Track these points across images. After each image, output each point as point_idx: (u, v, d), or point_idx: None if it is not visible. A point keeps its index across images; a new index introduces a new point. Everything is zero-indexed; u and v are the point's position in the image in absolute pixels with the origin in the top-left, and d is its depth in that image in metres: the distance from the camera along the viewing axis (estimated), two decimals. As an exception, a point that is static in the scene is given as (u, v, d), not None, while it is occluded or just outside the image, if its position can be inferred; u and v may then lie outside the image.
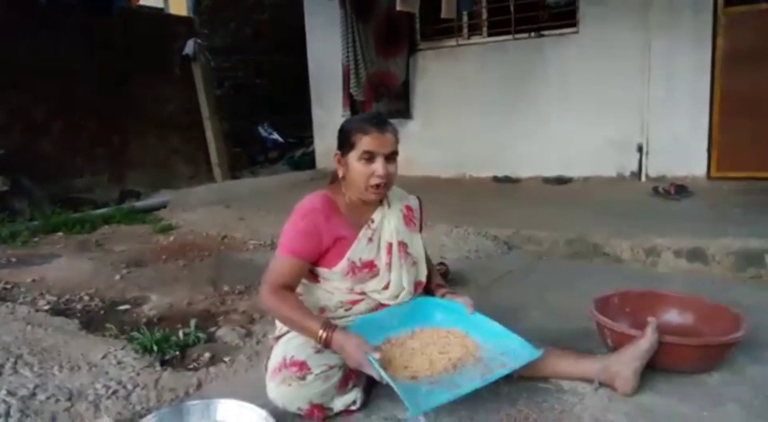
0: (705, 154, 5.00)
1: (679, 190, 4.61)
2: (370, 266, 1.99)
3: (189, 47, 7.01)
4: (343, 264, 1.95)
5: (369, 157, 1.89)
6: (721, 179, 4.91)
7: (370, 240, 2.01)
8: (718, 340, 1.99)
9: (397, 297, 2.03)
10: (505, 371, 1.77)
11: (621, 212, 4.20)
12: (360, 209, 2.02)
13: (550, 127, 5.66)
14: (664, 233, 3.47)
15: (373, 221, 2.03)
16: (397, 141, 1.96)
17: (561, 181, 5.54)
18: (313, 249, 1.92)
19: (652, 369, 1.94)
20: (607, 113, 5.33)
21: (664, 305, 2.28)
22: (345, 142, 1.94)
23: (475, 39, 6.11)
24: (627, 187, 5.10)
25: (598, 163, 5.46)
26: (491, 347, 1.89)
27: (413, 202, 2.20)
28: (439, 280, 2.24)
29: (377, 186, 1.93)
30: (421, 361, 1.82)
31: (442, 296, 2.12)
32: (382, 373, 1.63)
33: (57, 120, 5.97)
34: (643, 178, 5.24)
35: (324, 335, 1.73)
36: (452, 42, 6.19)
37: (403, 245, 2.06)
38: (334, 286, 1.99)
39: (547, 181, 5.62)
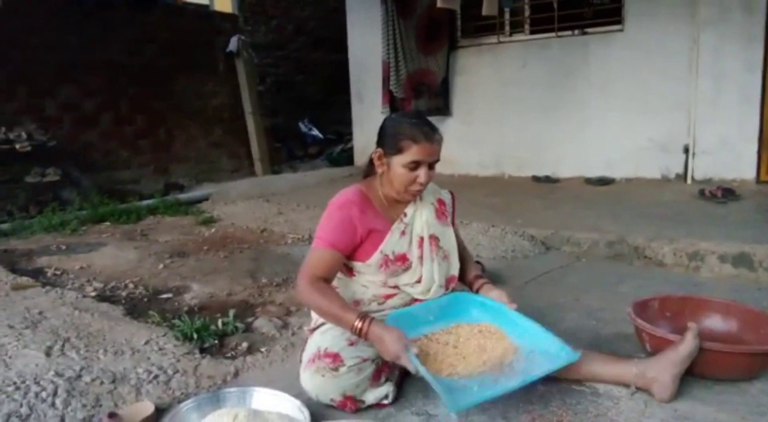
0: (755, 157, 4.84)
1: (726, 193, 4.47)
2: (403, 259, 2.01)
3: (233, 44, 7.14)
4: (376, 256, 1.97)
5: (415, 166, 1.90)
6: (772, 183, 4.75)
7: (403, 233, 2.02)
8: (762, 349, 1.93)
9: (428, 291, 2.04)
10: (542, 373, 1.76)
11: (664, 215, 4.10)
12: (393, 203, 2.04)
13: (593, 127, 5.57)
14: (708, 237, 3.38)
15: (405, 215, 2.05)
16: (441, 148, 1.95)
17: (603, 181, 5.44)
18: (348, 240, 1.94)
19: (692, 375, 1.89)
20: (652, 113, 5.21)
21: (705, 311, 2.22)
22: (391, 144, 1.92)
23: (517, 36, 6.04)
24: (672, 189, 4.97)
25: (642, 164, 5.35)
26: (529, 347, 1.87)
27: (446, 196, 2.20)
28: (477, 271, 2.22)
29: (416, 191, 1.96)
30: (457, 358, 1.82)
31: (479, 287, 2.09)
32: (420, 368, 1.63)
33: (105, 113, 6.16)
34: (689, 181, 5.10)
35: (361, 326, 1.73)
36: (493, 39, 6.14)
37: (434, 239, 2.06)
38: (368, 280, 2.01)
39: (589, 181, 5.53)
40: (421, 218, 2.06)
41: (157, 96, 6.59)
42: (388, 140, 1.94)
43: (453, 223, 2.21)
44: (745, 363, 1.91)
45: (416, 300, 2.05)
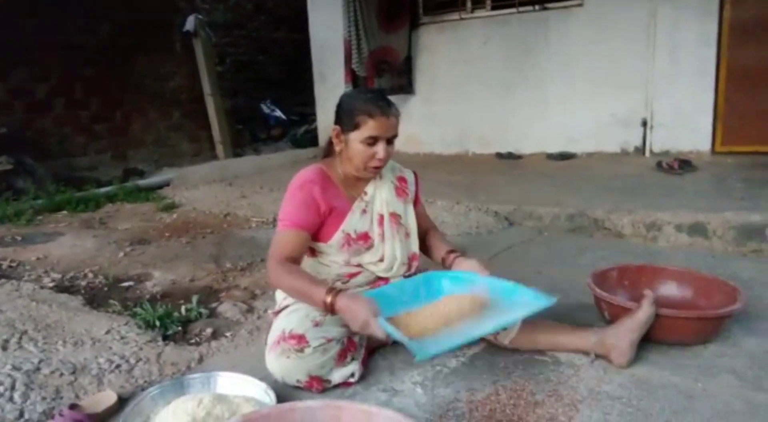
0: (710, 129, 4.96)
1: (683, 164, 4.58)
2: (365, 238, 2.01)
3: (190, 23, 6.96)
4: (338, 236, 1.97)
5: (372, 141, 1.90)
6: (726, 154, 4.89)
7: (364, 211, 2.03)
8: (713, 313, 2.00)
9: (391, 269, 2.04)
10: (520, 315, 1.78)
11: (623, 187, 4.19)
12: (353, 182, 2.04)
13: (554, 103, 5.63)
14: (665, 208, 3.47)
15: (366, 193, 2.05)
16: (398, 123, 1.95)
17: (564, 156, 5.52)
18: (312, 219, 1.93)
19: (649, 341, 1.96)
20: (611, 88, 5.28)
21: (661, 279, 2.28)
22: (347, 120, 1.92)
23: (479, 13, 6.04)
24: (631, 163, 5.07)
25: (602, 139, 5.44)
26: (503, 302, 1.86)
27: (408, 175, 2.20)
28: (448, 246, 2.18)
29: (376, 167, 1.95)
30: (428, 320, 1.80)
31: (452, 263, 2.08)
32: (387, 327, 1.62)
33: (59, 97, 5.96)
34: (647, 153, 5.21)
35: (329, 299, 1.72)
36: (455, 16, 6.12)
37: (395, 216, 2.07)
38: (330, 260, 2.01)
39: (551, 156, 5.60)
40: (381, 196, 2.07)
41: (113, 78, 6.40)
42: (344, 116, 1.93)
43: (417, 203, 2.21)
44: (698, 328, 1.98)
45: (380, 278, 2.06)
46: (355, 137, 1.90)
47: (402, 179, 2.17)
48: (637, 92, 5.17)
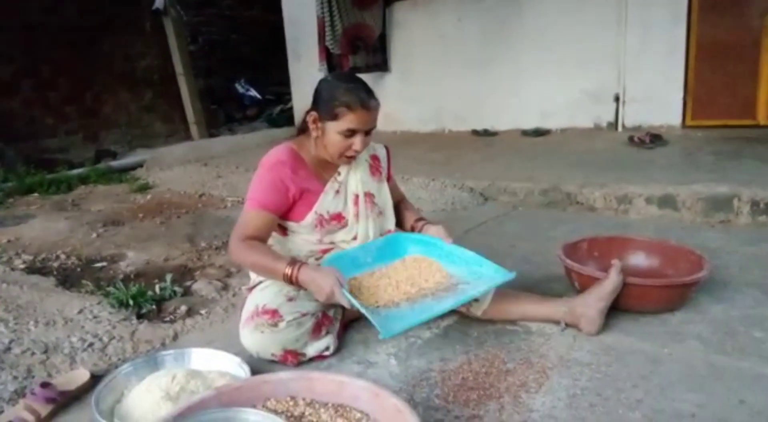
0: (680, 103, 5.01)
1: (654, 139, 4.64)
2: (338, 218, 2.01)
3: (159, 1, 6.80)
4: (311, 217, 1.96)
5: (350, 134, 1.86)
6: (696, 128, 4.95)
7: (337, 192, 2.01)
8: (679, 281, 2.05)
9: None
10: (478, 292, 1.82)
11: (596, 162, 4.24)
12: (326, 163, 2.00)
13: (528, 79, 5.63)
14: (636, 181, 3.52)
15: (339, 173, 2.03)
16: (378, 114, 1.92)
17: (539, 133, 5.55)
18: (280, 202, 1.90)
19: (618, 310, 2.00)
20: (584, 64, 5.30)
21: (630, 249, 2.33)
22: (326, 109, 1.86)
23: (452, -11, 5.99)
24: (603, 138, 5.12)
25: (575, 115, 5.47)
26: (465, 274, 1.91)
27: (380, 152, 2.19)
28: (417, 215, 2.21)
29: (350, 157, 1.93)
30: (392, 289, 1.83)
31: (420, 229, 2.11)
32: (353, 300, 1.64)
33: (25, 78, 5.81)
34: (620, 128, 5.26)
35: (290, 271, 1.72)
36: (429, -8, 6.07)
37: (369, 196, 2.07)
38: (303, 238, 2.00)
39: (526, 133, 5.62)
40: (355, 176, 2.05)
41: (81, 59, 6.25)
42: (323, 105, 1.88)
43: (389, 177, 2.21)
44: (665, 296, 2.03)
45: None
46: (333, 127, 1.86)
47: (375, 158, 2.15)
48: (609, 68, 5.20)
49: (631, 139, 4.73)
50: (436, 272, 1.92)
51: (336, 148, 1.90)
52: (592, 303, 1.92)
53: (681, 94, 4.99)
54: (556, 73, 5.45)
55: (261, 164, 1.95)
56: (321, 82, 1.96)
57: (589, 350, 1.84)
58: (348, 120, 1.84)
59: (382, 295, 1.81)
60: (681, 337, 1.89)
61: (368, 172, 2.10)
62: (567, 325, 1.96)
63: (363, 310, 1.63)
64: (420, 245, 2.05)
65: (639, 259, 2.30)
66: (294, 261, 1.76)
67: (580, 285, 2.11)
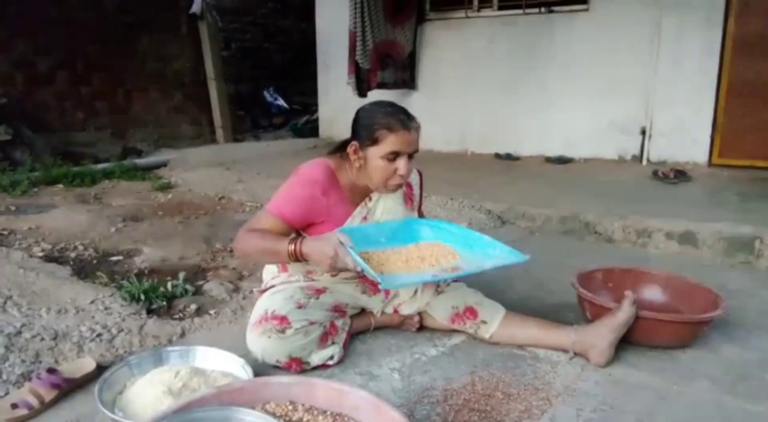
0: (708, 141, 4.97)
1: (678, 174, 4.60)
2: None
3: (196, 5, 6.95)
4: None
5: (393, 157, 1.84)
6: (722, 167, 4.89)
7: (364, 219, 1.99)
8: (693, 318, 2.02)
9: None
10: (489, 266, 1.80)
11: (617, 193, 4.20)
12: (361, 188, 1.98)
13: (555, 106, 5.63)
14: (657, 215, 3.48)
15: (370, 199, 2.01)
16: (419, 136, 1.89)
17: (562, 160, 5.53)
18: (301, 217, 1.88)
19: (628, 343, 1.97)
20: (612, 94, 5.29)
21: (646, 282, 2.30)
22: (365, 135, 1.85)
23: (485, 12, 6.03)
24: (627, 170, 5.09)
25: (600, 145, 5.44)
26: (478, 256, 1.88)
27: (413, 178, 2.15)
28: None
29: (397, 184, 1.91)
30: (401, 265, 1.80)
31: None
32: (357, 258, 1.61)
33: (60, 71, 5.95)
34: (644, 162, 5.22)
35: (293, 247, 1.71)
36: (461, 13, 6.11)
37: None
38: None
39: (549, 160, 5.61)
40: (384, 204, 2.02)
41: (116, 56, 6.39)
42: (362, 131, 1.86)
43: (420, 204, 2.19)
44: (678, 332, 1.99)
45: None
46: (375, 153, 1.84)
47: (409, 185, 2.12)
48: (637, 100, 5.17)
49: (655, 173, 4.69)
50: (448, 254, 1.89)
51: (380, 175, 1.87)
52: (603, 334, 1.89)
53: (709, 132, 4.95)
54: (584, 102, 5.44)
55: (296, 174, 1.92)
56: (359, 110, 1.94)
57: (596, 381, 1.81)
58: (389, 142, 1.82)
59: (390, 267, 1.78)
60: (691, 375, 1.85)
61: (401, 200, 2.07)
62: (575, 354, 1.93)
63: (364, 266, 1.60)
64: (434, 229, 2.03)
65: (654, 293, 2.26)
66: (295, 238, 1.75)
67: (592, 315, 2.08)
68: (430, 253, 1.90)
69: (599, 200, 3.97)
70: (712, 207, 3.77)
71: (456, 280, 2.13)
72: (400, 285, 1.68)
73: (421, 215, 2.21)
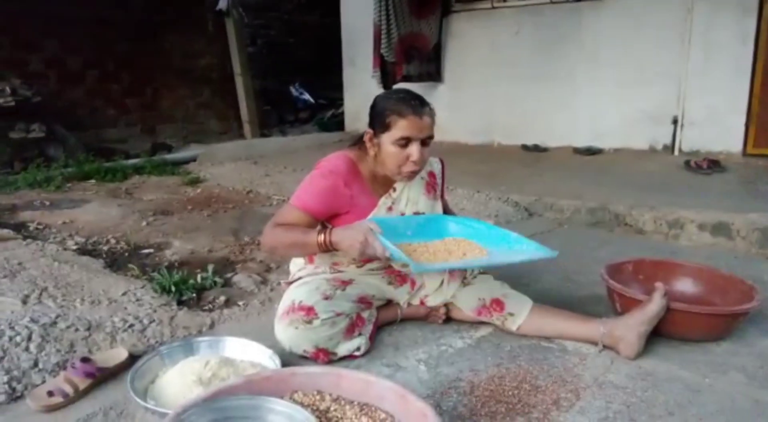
0: (742, 130, 4.84)
1: (712, 164, 4.49)
2: None
3: (222, 2, 7.01)
4: None
5: (405, 142, 1.85)
6: (758, 156, 4.76)
7: (389, 209, 2.00)
8: (726, 310, 1.97)
9: None
10: (519, 259, 1.79)
11: (648, 184, 4.13)
12: (383, 178, 1.99)
13: (584, 96, 5.54)
14: (689, 206, 3.41)
15: (395, 190, 2.01)
16: (433, 123, 1.89)
17: (591, 151, 5.45)
18: (325, 209, 1.90)
19: (659, 335, 1.94)
20: (643, 83, 5.18)
21: (677, 274, 2.25)
22: (378, 122, 1.87)
23: (512, 2, 5.96)
24: (658, 160, 4.99)
25: (630, 135, 5.34)
26: (505, 251, 1.86)
27: (436, 167, 2.15)
28: None
29: (412, 171, 1.91)
30: (429, 257, 1.79)
31: None
32: (386, 243, 1.61)
33: (91, 69, 6.07)
34: (676, 152, 5.11)
35: (322, 237, 1.71)
36: (487, 4, 6.05)
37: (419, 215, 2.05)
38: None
39: (577, 151, 5.53)
40: (408, 194, 2.03)
41: (145, 53, 6.49)
42: (376, 118, 1.88)
43: (443, 193, 2.19)
44: (710, 324, 1.95)
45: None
46: (387, 138, 1.85)
47: (432, 174, 2.13)
48: (668, 89, 5.06)
49: (687, 163, 4.59)
50: (475, 250, 1.86)
51: (393, 161, 1.88)
52: (632, 326, 1.86)
53: (743, 120, 4.82)
54: (613, 92, 5.35)
55: (318, 167, 1.94)
56: (375, 98, 1.96)
57: (626, 374, 1.78)
58: (400, 127, 1.83)
59: (418, 258, 1.77)
60: (724, 369, 1.82)
61: (423, 189, 2.07)
62: (605, 347, 1.91)
63: (396, 253, 1.60)
64: (460, 225, 2.02)
65: (686, 285, 2.22)
66: (324, 228, 1.76)
67: (621, 307, 2.05)
68: (457, 248, 1.88)
69: (629, 191, 3.90)
70: (747, 197, 3.67)
71: (483, 272, 2.12)
72: (430, 269, 1.68)
73: (444, 204, 2.20)
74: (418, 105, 1.85)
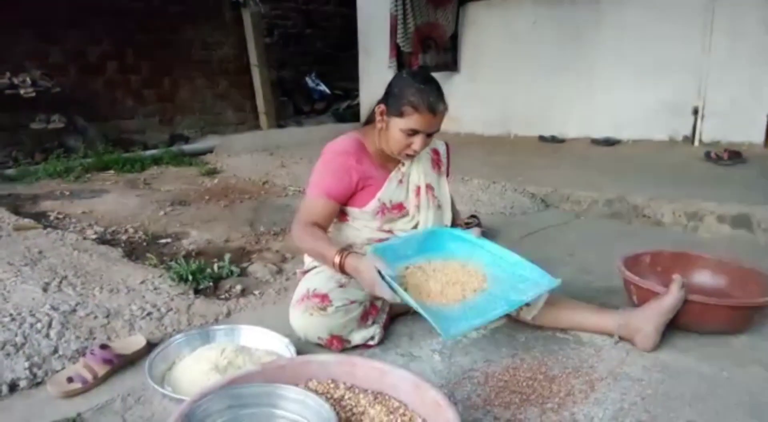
0: (765, 121, 4.73)
1: (733, 156, 4.41)
2: (400, 208, 2.03)
3: (239, -7, 7.02)
4: (373, 204, 1.98)
5: (412, 133, 1.88)
6: (780, 148, 4.67)
7: (400, 182, 2.03)
8: (746, 302, 1.94)
9: None
10: (527, 298, 1.76)
11: (667, 176, 4.07)
12: (389, 154, 2.02)
13: (602, 86, 5.47)
14: (709, 198, 3.35)
15: (403, 164, 2.05)
16: (443, 118, 1.91)
17: (609, 142, 5.38)
18: (343, 190, 1.94)
19: (676, 328, 1.91)
20: (663, 73, 5.10)
21: (696, 266, 2.22)
22: (393, 104, 1.88)
23: (529, -9, 5.89)
24: (678, 151, 4.91)
25: (650, 126, 5.27)
26: (508, 278, 1.84)
27: (441, 147, 2.20)
28: (460, 223, 2.24)
29: (408, 155, 1.95)
30: (434, 287, 1.79)
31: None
32: (402, 293, 1.61)
33: (110, 61, 6.12)
34: (696, 143, 5.03)
35: (338, 259, 1.73)
36: (505, -7, 5.99)
37: (430, 188, 2.07)
38: (363, 224, 2.02)
39: (595, 142, 5.47)
40: (418, 168, 2.06)
41: (163, 45, 6.52)
42: (392, 100, 1.89)
43: (447, 175, 2.21)
44: (729, 316, 1.92)
45: None
46: (397, 124, 1.88)
47: (436, 152, 2.17)
48: (689, 78, 4.97)
49: (707, 154, 4.51)
50: (479, 276, 1.86)
51: (396, 144, 1.92)
52: (649, 318, 1.84)
53: (766, 111, 4.72)
54: (632, 82, 5.27)
55: (325, 152, 1.98)
56: (395, 76, 1.97)
57: (642, 366, 1.77)
58: (413, 120, 1.85)
59: (426, 292, 1.77)
60: (743, 362, 1.79)
61: (430, 164, 2.12)
62: (621, 339, 1.89)
63: (416, 305, 1.59)
64: (460, 242, 2.01)
65: (704, 278, 2.19)
66: (343, 250, 1.76)
67: (638, 299, 2.03)
68: (466, 280, 1.85)
69: (648, 182, 3.85)
70: (768, 189, 3.60)
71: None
72: (461, 333, 1.68)
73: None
74: (435, 102, 1.85)
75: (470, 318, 1.66)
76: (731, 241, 3.09)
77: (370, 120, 2.05)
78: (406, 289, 1.70)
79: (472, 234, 2.02)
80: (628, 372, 1.73)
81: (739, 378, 1.70)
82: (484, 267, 1.90)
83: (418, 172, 2.06)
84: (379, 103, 1.96)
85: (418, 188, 2.05)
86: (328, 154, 1.97)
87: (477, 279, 1.85)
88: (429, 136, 1.91)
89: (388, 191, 2.00)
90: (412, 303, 1.60)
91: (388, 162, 2.04)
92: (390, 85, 1.94)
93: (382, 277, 1.64)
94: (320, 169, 1.96)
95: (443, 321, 1.59)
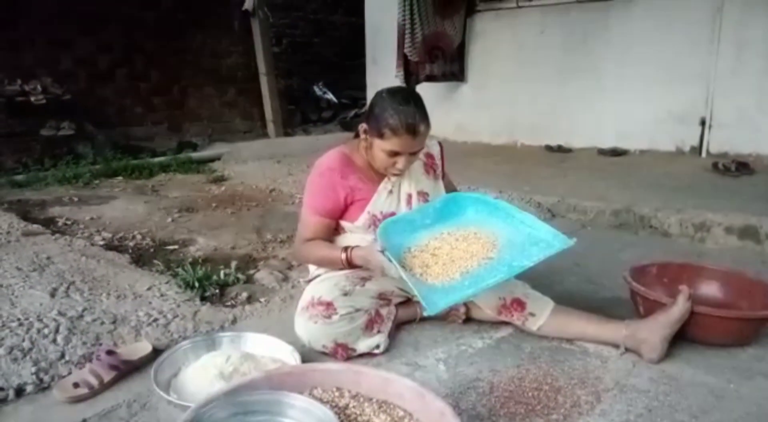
0: (773, 132, 4.73)
1: (741, 167, 4.39)
2: None
3: (248, 2, 7.07)
4: (363, 217, 1.98)
5: (394, 154, 1.89)
6: (789, 159, 4.65)
7: (390, 192, 2.03)
8: (753, 314, 1.94)
9: None
10: (534, 261, 1.73)
11: (674, 186, 4.06)
12: None
13: (609, 97, 5.47)
14: (716, 209, 3.34)
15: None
16: (426, 135, 1.91)
17: (616, 152, 5.37)
18: (332, 207, 1.97)
19: (683, 339, 1.91)
20: (670, 83, 5.09)
21: (703, 278, 2.21)
22: (374, 126, 1.88)
23: (537, 1, 5.90)
24: (685, 162, 4.90)
25: (657, 136, 5.26)
26: (522, 241, 1.82)
27: (434, 149, 2.19)
28: None
29: (394, 175, 1.98)
30: (444, 264, 1.79)
31: None
32: (400, 270, 1.66)
33: (120, 68, 6.18)
34: (704, 154, 5.01)
35: (344, 256, 1.82)
36: (512, 3, 6.01)
37: (423, 194, 2.07)
38: (359, 237, 2.02)
39: (602, 152, 5.46)
40: (409, 175, 2.05)
41: (172, 52, 6.58)
42: (372, 121, 1.90)
43: (443, 174, 2.21)
44: (736, 328, 1.91)
45: None
46: (378, 145, 1.89)
47: (429, 155, 2.16)
48: (696, 89, 4.96)
49: (715, 165, 4.50)
50: (492, 244, 1.84)
51: (381, 163, 1.94)
52: (656, 329, 1.84)
53: (774, 122, 4.71)
54: (639, 92, 5.27)
55: (312, 171, 2.02)
56: (376, 95, 1.96)
57: (649, 377, 1.76)
58: (392, 143, 1.86)
59: (435, 272, 1.77)
60: (750, 374, 1.78)
61: (422, 170, 2.12)
62: (627, 350, 1.89)
63: (409, 280, 1.63)
64: (480, 206, 2.01)
65: (711, 289, 2.18)
66: (347, 247, 1.86)
67: (644, 310, 2.02)
68: (477, 250, 1.84)
69: (655, 193, 3.84)
70: (777, 200, 3.59)
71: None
72: (446, 305, 1.67)
73: (448, 182, 2.22)
74: (414, 124, 1.83)
75: (465, 288, 1.67)
76: (738, 253, 3.08)
77: (358, 134, 2.04)
78: (413, 267, 1.76)
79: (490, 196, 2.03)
80: (634, 384, 1.72)
81: (746, 390, 1.69)
82: (500, 232, 1.88)
83: (408, 180, 2.06)
84: (363, 120, 1.97)
85: (410, 196, 2.05)
86: (314, 172, 2.00)
87: (485, 248, 1.83)
88: (413, 154, 1.92)
89: (378, 203, 2.00)
90: (407, 277, 1.64)
91: (378, 173, 2.03)
92: (371, 105, 1.94)
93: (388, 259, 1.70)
94: (309, 187, 2.00)
95: (433, 295, 1.60)
